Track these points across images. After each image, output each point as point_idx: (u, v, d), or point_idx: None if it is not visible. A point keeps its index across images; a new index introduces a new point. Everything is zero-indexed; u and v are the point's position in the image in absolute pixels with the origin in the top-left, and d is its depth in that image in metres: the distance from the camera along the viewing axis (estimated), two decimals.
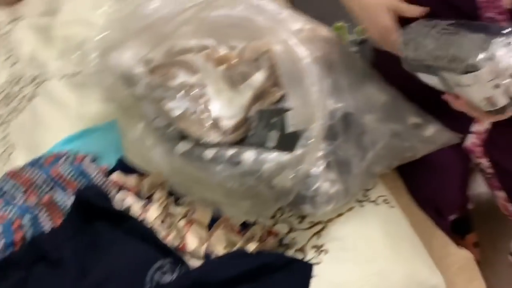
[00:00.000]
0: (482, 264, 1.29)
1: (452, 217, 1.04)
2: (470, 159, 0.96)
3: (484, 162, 0.93)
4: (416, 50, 0.74)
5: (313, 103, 0.74)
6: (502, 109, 0.66)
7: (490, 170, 0.94)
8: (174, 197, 0.90)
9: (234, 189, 0.78)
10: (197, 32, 0.97)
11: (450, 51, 0.69)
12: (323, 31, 0.94)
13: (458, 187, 0.96)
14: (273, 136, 0.85)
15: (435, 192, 0.93)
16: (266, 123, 0.87)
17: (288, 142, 0.81)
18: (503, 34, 0.64)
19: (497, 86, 0.63)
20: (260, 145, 0.85)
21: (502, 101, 0.65)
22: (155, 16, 1.10)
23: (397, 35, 0.79)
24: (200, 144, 0.85)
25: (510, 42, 0.63)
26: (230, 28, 0.96)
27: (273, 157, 0.76)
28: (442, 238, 0.93)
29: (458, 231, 1.21)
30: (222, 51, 0.94)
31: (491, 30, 0.67)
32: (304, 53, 0.79)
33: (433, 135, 0.85)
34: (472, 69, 0.64)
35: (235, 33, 0.96)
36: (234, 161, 0.80)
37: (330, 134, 0.77)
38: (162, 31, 0.96)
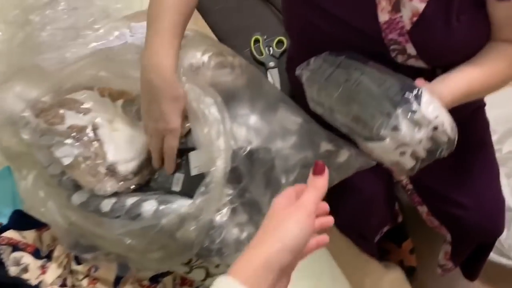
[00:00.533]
0: (420, 268, 1.29)
1: (378, 236, 1.01)
2: (392, 176, 0.93)
3: (404, 179, 0.91)
4: (319, 94, 0.70)
5: (213, 145, 0.68)
6: (411, 170, 0.62)
7: (410, 186, 0.91)
8: (79, 250, 0.81)
9: (134, 245, 0.71)
10: (92, 65, 0.87)
11: (354, 109, 0.65)
12: (229, 57, 0.87)
13: (383, 206, 0.93)
14: (179, 179, 0.77)
15: (357, 216, 0.89)
16: None
17: (194, 186, 0.74)
18: (407, 100, 0.60)
19: (403, 153, 0.60)
20: (166, 189, 0.78)
21: (409, 164, 0.62)
22: (48, 45, 1.01)
23: (298, 69, 0.75)
24: (98, 194, 0.77)
25: (414, 111, 0.59)
26: (126, 59, 0.88)
27: (174, 208, 0.69)
28: (372, 262, 0.90)
29: (394, 240, 1.20)
30: (118, 84, 0.86)
31: (396, 87, 0.62)
32: (204, 90, 0.73)
33: (347, 161, 0.80)
34: (376, 138, 0.60)
35: (131, 63, 0.88)
36: (134, 214, 0.72)
37: (234, 177, 0.70)
38: (52, 68, 0.86)
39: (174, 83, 0.69)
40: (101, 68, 0.83)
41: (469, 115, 0.88)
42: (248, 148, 0.74)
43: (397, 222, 1.09)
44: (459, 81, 0.69)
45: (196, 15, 1.27)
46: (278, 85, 1.14)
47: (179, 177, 0.77)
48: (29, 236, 0.84)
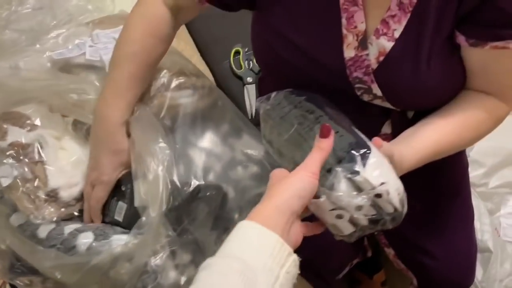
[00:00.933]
0: None
1: (347, 268, 0.95)
2: None
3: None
4: (271, 132, 0.64)
5: (152, 183, 0.62)
6: (348, 236, 0.55)
7: None
8: (14, 274, 0.77)
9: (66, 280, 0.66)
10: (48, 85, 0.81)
11: (297, 156, 0.58)
12: (192, 77, 0.81)
13: (347, 246, 0.87)
14: (122, 209, 0.72)
15: (316, 257, 0.82)
16: (116, 190, 0.74)
17: (136, 217, 0.69)
18: (351, 158, 0.52)
19: (339, 217, 0.52)
20: (109, 217, 0.73)
21: (347, 230, 0.53)
22: (4, 48, 0.96)
23: (257, 101, 0.69)
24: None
25: (356, 171, 0.52)
26: (83, 70, 0.82)
27: (109, 246, 0.64)
28: None
29: (366, 271, 1.14)
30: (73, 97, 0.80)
31: (345, 141, 0.55)
32: (151, 123, 0.68)
33: None
34: None
35: (89, 76, 0.82)
36: (69, 245, 0.67)
37: (175, 217, 0.65)
38: (3, 78, 0.80)
39: (117, 137, 0.67)
40: (60, 92, 0.78)
41: (447, 157, 0.81)
42: (195, 185, 0.68)
43: (366, 256, 1.03)
44: (427, 139, 0.61)
45: None
46: (254, 102, 1.08)
47: (122, 206, 0.72)
48: None
